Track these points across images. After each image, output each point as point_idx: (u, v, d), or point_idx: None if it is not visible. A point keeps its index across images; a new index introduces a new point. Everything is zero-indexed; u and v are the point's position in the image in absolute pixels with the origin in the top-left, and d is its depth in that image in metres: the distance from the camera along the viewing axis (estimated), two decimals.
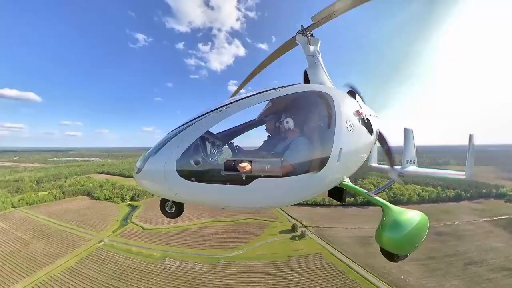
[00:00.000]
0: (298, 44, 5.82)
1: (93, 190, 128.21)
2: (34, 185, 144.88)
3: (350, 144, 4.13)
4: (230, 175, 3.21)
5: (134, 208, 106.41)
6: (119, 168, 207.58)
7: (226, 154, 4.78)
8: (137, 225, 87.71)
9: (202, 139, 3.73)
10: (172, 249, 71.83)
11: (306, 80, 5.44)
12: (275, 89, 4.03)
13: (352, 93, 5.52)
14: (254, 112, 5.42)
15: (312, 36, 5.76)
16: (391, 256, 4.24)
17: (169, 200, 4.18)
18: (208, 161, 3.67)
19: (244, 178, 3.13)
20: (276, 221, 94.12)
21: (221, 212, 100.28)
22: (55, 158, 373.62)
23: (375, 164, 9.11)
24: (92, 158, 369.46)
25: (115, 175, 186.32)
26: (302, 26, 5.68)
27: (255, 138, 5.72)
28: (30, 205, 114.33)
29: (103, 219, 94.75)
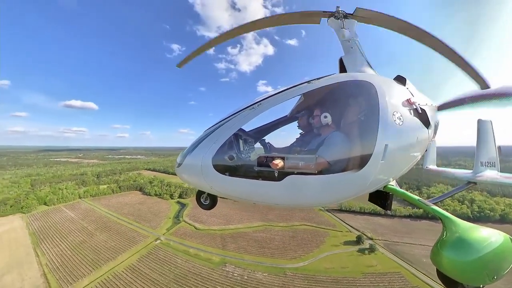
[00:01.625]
0: (319, 23, 5.52)
1: (144, 186, 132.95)
2: (95, 179, 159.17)
3: (398, 139, 3.62)
4: (263, 170, 3.18)
5: (183, 205, 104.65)
6: (163, 166, 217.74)
7: (258, 151, 4.60)
8: (189, 224, 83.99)
9: (236, 136, 3.72)
10: (230, 254, 64.64)
11: (343, 69, 4.88)
12: (308, 82, 3.72)
13: (401, 79, 4.57)
14: (286, 108, 5.04)
15: (347, 18, 5.27)
16: (451, 284, 3.28)
17: (204, 193, 4.39)
18: (241, 157, 3.69)
19: (276, 174, 3.10)
20: (335, 230, 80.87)
21: (271, 215, 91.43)
22: (109, 156, 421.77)
23: (432, 167, 7.47)
24: (139, 156, 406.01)
25: (161, 172, 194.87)
26: (338, 8, 5.24)
27: (288, 135, 5.33)
28: (93, 197, 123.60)
29: (156, 215, 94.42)
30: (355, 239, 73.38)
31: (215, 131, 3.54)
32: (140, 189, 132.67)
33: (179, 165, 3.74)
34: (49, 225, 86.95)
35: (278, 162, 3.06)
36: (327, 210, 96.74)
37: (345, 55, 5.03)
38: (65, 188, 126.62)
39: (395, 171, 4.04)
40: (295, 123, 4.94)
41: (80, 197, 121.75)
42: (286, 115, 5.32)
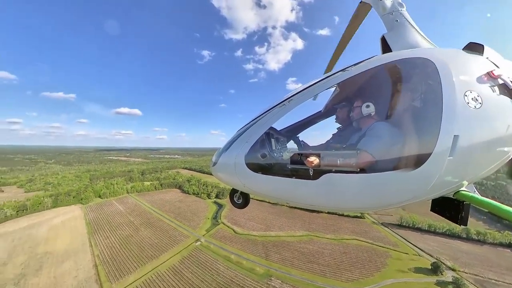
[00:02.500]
0: (369, 4, 4.65)
1: (183, 184, 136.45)
2: (140, 175, 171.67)
3: (474, 127, 2.75)
4: (297, 168, 3.01)
5: (220, 206, 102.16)
6: (198, 165, 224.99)
7: (291, 148, 4.35)
8: (228, 226, 79.84)
9: (267, 134, 3.59)
10: (275, 266, 57.31)
11: (386, 49, 4.03)
12: (343, 70, 3.24)
13: (476, 47, 3.32)
14: (320, 102, 4.49)
15: None
16: None
17: (237, 191, 4.41)
18: (273, 155, 3.58)
19: (311, 172, 2.84)
20: (398, 251, 65.61)
21: (315, 224, 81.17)
22: (151, 155, 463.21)
23: None
24: (176, 156, 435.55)
25: (197, 171, 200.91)
26: None
27: (323, 130, 4.84)
28: (138, 192, 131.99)
29: (195, 214, 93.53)
30: (429, 267, 57.92)
31: (247, 130, 3.45)
32: (179, 187, 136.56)
33: (214, 164, 3.80)
34: (102, 217, 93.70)
35: (313, 159, 2.80)
36: (382, 224, 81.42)
37: (388, 32, 4.15)
38: (116, 184, 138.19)
39: (470, 171, 2.91)
40: (331, 118, 4.41)
41: (127, 192, 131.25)
42: (320, 110, 4.64)
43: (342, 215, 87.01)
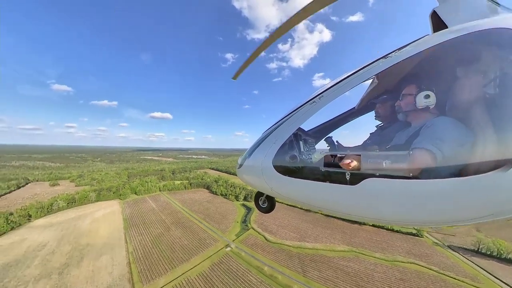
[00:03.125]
0: None
1: (211, 184, 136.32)
2: (171, 174, 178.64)
3: None
4: (330, 172, 2.66)
5: (248, 209, 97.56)
6: (225, 166, 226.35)
7: (323, 149, 3.84)
8: (259, 233, 74.36)
9: (296, 135, 3.33)
10: (315, 286, 49.54)
11: (439, 26, 3.04)
12: (384, 57, 2.67)
13: None
14: (355, 97, 4.06)
15: None
16: None
17: (263, 195, 4.28)
18: (303, 157, 3.29)
19: (348, 176, 2.45)
20: (473, 285, 50.65)
21: (358, 238, 70.22)
22: (180, 155, 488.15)
23: None
24: (203, 156, 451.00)
25: (223, 172, 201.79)
26: None
27: (359, 129, 4.46)
28: (169, 190, 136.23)
29: (224, 216, 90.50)
30: None
31: (274, 131, 3.29)
32: (207, 188, 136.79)
33: (240, 166, 3.73)
34: (137, 213, 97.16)
35: (351, 161, 2.44)
36: (449, 246, 66.06)
37: (439, 5, 3.19)
38: (150, 182, 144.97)
39: None
40: (368, 115, 3.99)
41: (160, 190, 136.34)
42: (354, 107, 4.18)
43: (392, 230, 74.18)
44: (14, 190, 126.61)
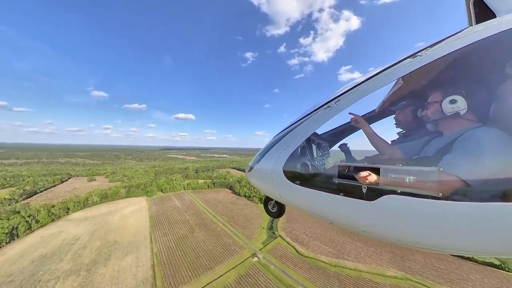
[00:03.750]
0: None
1: (234, 185, 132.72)
2: (195, 173, 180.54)
3: None
4: (345, 183, 2.43)
5: None
6: (246, 166, 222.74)
7: (337, 158, 3.77)
8: (288, 243, 67.14)
9: (309, 141, 3.24)
10: None
11: (483, 15, 2.62)
12: (412, 56, 2.30)
13: None
14: (377, 100, 3.50)
15: None
16: None
17: (272, 199, 4.14)
18: (315, 164, 3.16)
19: (365, 190, 2.21)
20: None
21: (415, 263, 57.41)
22: (203, 154, 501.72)
23: None
24: (224, 155, 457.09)
25: (244, 172, 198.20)
26: None
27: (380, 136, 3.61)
28: (193, 189, 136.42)
29: (249, 220, 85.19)
30: None
31: (286, 136, 3.11)
32: (230, 188, 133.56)
33: (250, 169, 3.66)
34: (162, 212, 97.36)
35: (368, 174, 2.15)
36: None
37: None
38: (175, 180, 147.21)
39: None
40: (390, 120, 3.48)
41: (184, 188, 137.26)
42: (374, 109, 3.62)
43: (461, 257, 59.64)
44: (58, 184, 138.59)
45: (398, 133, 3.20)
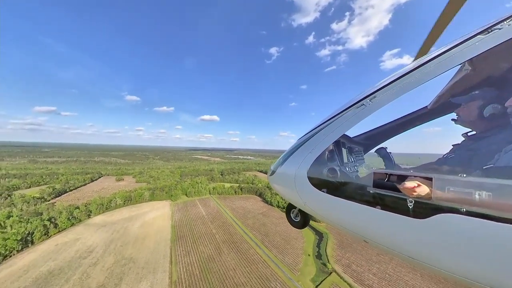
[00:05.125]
0: None
1: (263, 191, 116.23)
2: (220, 176, 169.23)
3: None
4: (384, 195, 1.97)
5: (319, 234, 71.29)
6: None
7: (373, 164, 3.47)
8: (350, 285, 47.44)
9: (338, 144, 2.94)
10: None
11: None
12: (485, 31, 1.77)
13: None
14: (427, 94, 2.71)
15: None
16: None
17: (295, 208, 3.83)
18: (346, 171, 2.78)
19: (411, 205, 1.73)
20: None
21: None
22: (227, 155, 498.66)
23: None
24: (249, 157, 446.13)
25: None
26: None
27: (433, 137, 3.30)
28: (219, 194, 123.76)
29: (288, 241, 67.43)
30: None
31: (312, 138, 2.82)
32: (260, 195, 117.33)
33: (272, 173, 3.43)
34: (185, 220, 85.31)
35: (416, 186, 1.67)
36: None
37: None
38: (200, 183, 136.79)
39: None
40: (445, 118, 2.71)
41: (210, 193, 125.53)
42: (426, 106, 3.00)
43: None
44: (88, 183, 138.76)
45: (463, 135, 2.41)
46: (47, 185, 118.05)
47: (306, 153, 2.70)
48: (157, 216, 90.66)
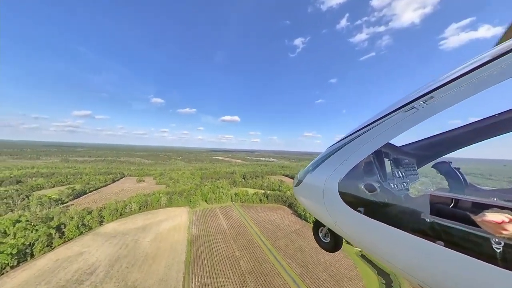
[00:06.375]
0: None
1: (293, 201, 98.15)
2: (242, 180, 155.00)
3: None
4: (449, 227, 1.48)
5: (385, 276, 50.89)
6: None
7: (430, 181, 2.75)
8: None
9: (380, 154, 2.49)
10: None
11: None
12: None
13: None
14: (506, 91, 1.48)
15: None
16: None
17: (324, 225, 3.30)
18: (390, 188, 2.30)
19: (499, 248, 1.18)
20: None
21: None
22: (248, 157, 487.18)
23: None
24: (271, 159, 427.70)
25: None
26: None
27: None
28: (242, 202, 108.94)
29: (338, 281, 48.77)
30: None
31: (345, 147, 2.40)
32: (290, 206, 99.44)
33: (298, 183, 3.08)
34: (204, 235, 71.58)
35: (506, 221, 1.19)
36: None
37: None
38: (221, 187, 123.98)
39: None
40: None
41: (231, 200, 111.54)
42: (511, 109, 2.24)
43: None
44: (109, 184, 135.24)
45: None
46: (69, 186, 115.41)
47: (337, 163, 2.30)
48: (172, 226, 78.71)
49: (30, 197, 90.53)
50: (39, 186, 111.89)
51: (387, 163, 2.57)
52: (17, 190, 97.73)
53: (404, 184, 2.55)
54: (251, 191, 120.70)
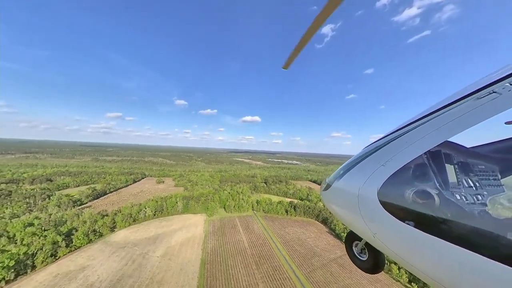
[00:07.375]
0: None
1: (328, 215, 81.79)
2: (264, 185, 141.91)
3: None
4: None
5: None
6: None
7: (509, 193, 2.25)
8: None
9: (436, 155, 1.95)
10: None
11: None
12: None
13: None
14: None
15: None
16: None
17: (359, 239, 2.97)
18: (454, 200, 1.84)
19: None
20: None
21: None
22: (269, 159, 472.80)
23: None
24: (294, 162, 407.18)
25: None
26: None
27: None
28: (265, 213, 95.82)
29: None
30: None
31: (388, 145, 2.07)
32: (324, 221, 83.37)
33: (327, 188, 2.81)
34: (221, 254, 60.09)
35: None
36: None
37: None
38: (241, 193, 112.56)
39: None
40: None
41: (253, 209, 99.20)
42: None
43: None
44: (130, 184, 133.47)
45: None
46: (91, 185, 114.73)
47: (377, 165, 1.97)
48: (186, 239, 68.93)
49: (51, 197, 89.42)
50: (65, 185, 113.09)
51: (450, 168, 2.04)
52: (42, 189, 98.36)
53: (479, 197, 2.02)
54: (274, 199, 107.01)
